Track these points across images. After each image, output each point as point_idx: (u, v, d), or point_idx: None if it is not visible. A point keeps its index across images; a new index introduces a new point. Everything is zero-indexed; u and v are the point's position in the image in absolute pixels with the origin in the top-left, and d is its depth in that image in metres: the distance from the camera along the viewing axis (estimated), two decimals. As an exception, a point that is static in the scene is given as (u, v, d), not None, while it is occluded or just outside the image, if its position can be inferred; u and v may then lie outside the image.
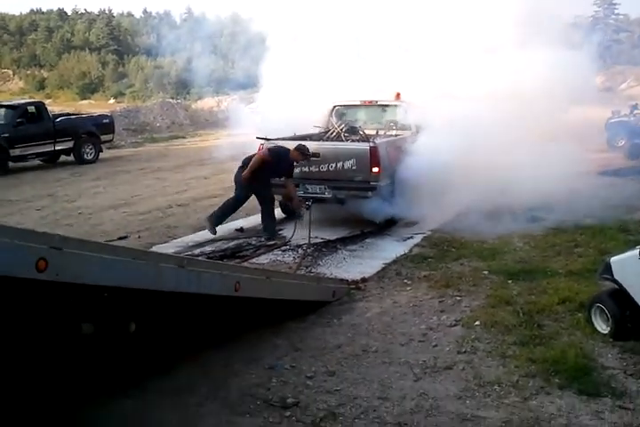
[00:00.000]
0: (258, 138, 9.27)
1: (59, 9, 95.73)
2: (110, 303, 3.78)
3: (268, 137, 9.25)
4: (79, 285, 3.16)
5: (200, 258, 6.95)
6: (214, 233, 8.76)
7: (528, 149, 10.41)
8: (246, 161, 8.76)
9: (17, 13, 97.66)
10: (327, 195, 8.99)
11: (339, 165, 8.87)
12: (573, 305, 5.71)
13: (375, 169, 8.75)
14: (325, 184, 8.97)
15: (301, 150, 8.66)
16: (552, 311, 5.64)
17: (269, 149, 8.77)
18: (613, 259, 5.06)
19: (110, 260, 3.28)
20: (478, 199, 9.93)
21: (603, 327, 5.13)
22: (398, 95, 11.01)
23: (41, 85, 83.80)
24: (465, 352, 4.91)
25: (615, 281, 5.00)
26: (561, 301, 5.83)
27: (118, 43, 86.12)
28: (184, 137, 27.87)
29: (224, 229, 9.16)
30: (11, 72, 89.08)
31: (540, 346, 4.92)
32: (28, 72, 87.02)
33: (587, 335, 5.12)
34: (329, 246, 8.37)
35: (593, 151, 13.51)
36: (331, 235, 8.84)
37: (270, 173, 8.71)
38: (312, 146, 9.24)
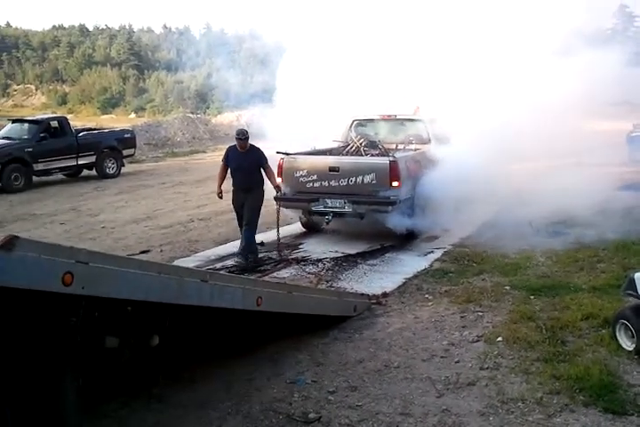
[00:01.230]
0: (278, 153, 9.30)
1: (80, 25, 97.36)
2: (134, 317, 3.82)
3: (288, 151, 9.30)
4: (104, 298, 3.20)
5: (222, 272, 6.98)
6: (255, 259, 8.42)
7: (549, 162, 10.39)
8: None
9: (39, 29, 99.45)
10: (347, 209, 8.97)
11: (358, 179, 8.86)
12: (597, 321, 5.65)
13: (395, 183, 8.73)
14: (345, 198, 8.95)
15: (235, 136, 8.50)
16: (575, 327, 5.58)
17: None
18: (637, 274, 5.01)
19: (135, 274, 3.32)
20: (499, 214, 9.93)
21: (627, 344, 5.07)
22: (417, 109, 11.02)
23: (63, 100, 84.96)
24: (488, 368, 4.88)
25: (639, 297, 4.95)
26: (584, 317, 5.77)
27: (139, 58, 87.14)
28: (204, 151, 28.03)
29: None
30: (33, 87, 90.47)
31: (563, 363, 4.87)
32: (51, 87, 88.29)
33: (611, 352, 5.05)
34: (349, 261, 8.37)
35: (614, 165, 13.39)
36: (351, 249, 8.86)
37: (241, 172, 8.45)
38: (332, 160, 9.32)
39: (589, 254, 8.05)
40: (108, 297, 3.21)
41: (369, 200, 8.83)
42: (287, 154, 9.29)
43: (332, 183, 9.02)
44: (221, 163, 8.70)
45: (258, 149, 8.51)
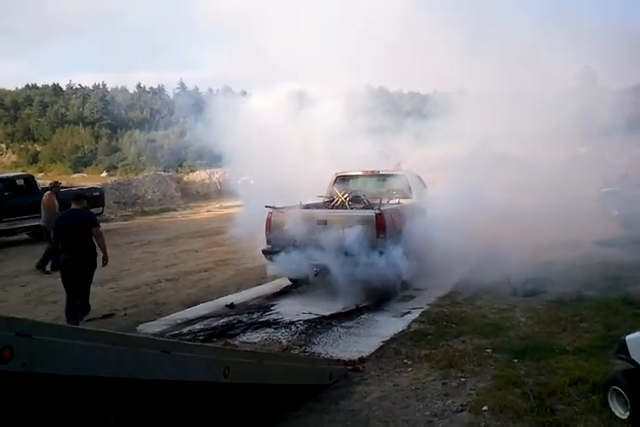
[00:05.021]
0: (267, 207, 9.35)
1: (54, 84, 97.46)
2: (85, 395, 3.43)
3: (275, 206, 9.31)
4: (50, 375, 2.84)
5: (187, 338, 6.60)
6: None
7: (525, 217, 10.32)
8: None
9: (12, 89, 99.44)
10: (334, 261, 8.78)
11: (345, 231, 8.82)
12: (586, 386, 5.34)
13: (382, 235, 8.80)
14: (333, 251, 8.78)
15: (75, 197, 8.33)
16: (564, 394, 5.26)
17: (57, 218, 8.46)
18: (629, 337, 4.74)
19: (86, 346, 2.98)
20: (476, 269, 9.78)
21: (621, 412, 4.74)
22: (398, 165, 11.18)
23: (34, 159, 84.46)
24: (475, 442, 4.52)
25: (632, 361, 4.66)
26: (572, 381, 5.46)
27: (112, 117, 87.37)
28: (175, 209, 27.75)
29: (213, 305, 8.85)
30: (4, 146, 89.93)
31: (555, 434, 4.53)
32: (22, 146, 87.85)
33: (604, 421, 4.73)
34: (323, 323, 8.00)
35: (586, 220, 13.37)
36: (325, 310, 8.49)
37: (73, 235, 8.19)
38: (319, 213, 9.47)
39: (571, 313, 7.80)
40: (53, 374, 2.85)
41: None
42: (274, 208, 9.34)
43: (320, 235, 8.94)
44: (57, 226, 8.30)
45: (90, 213, 8.32)
